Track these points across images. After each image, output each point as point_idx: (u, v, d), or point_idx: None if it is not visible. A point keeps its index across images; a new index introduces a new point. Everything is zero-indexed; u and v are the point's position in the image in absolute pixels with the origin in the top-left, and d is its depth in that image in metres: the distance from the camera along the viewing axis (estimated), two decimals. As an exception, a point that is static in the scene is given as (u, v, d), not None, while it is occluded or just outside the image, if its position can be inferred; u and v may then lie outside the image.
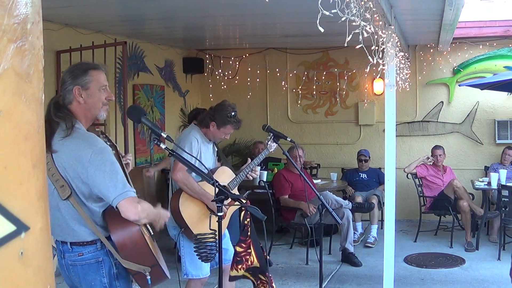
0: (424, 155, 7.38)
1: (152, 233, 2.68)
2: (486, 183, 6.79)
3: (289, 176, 6.50)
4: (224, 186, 3.34)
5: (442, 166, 7.29)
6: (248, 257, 3.10)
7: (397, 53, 4.98)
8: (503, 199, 6.25)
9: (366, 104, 8.32)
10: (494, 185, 6.56)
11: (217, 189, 2.75)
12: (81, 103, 2.46)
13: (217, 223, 2.78)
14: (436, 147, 7.34)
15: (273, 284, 3.14)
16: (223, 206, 2.80)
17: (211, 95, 8.54)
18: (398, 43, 5.14)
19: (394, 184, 4.68)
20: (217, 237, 2.84)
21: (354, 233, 6.71)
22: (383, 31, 4.23)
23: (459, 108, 8.10)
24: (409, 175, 7.27)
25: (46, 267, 0.81)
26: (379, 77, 4.29)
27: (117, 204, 2.32)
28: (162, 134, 2.63)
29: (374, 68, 3.60)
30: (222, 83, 8.67)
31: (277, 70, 8.46)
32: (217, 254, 2.87)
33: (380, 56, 3.72)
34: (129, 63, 6.70)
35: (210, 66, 8.84)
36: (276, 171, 7.18)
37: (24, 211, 0.76)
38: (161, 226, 2.60)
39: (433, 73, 8.15)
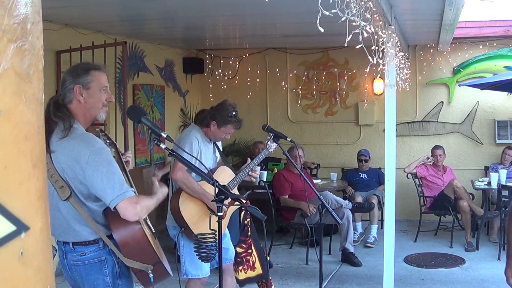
0: (424, 155, 7.38)
1: (154, 231, 2.68)
2: (486, 183, 6.78)
3: (289, 176, 6.50)
4: (224, 185, 3.34)
5: (442, 166, 7.29)
6: (248, 257, 3.10)
7: (397, 53, 4.97)
8: (503, 199, 6.25)
9: (366, 104, 8.32)
10: (494, 185, 6.55)
11: (217, 189, 2.75)
12: (81, 102, 2.45)
13: (217, 223, 2.79)
14: (436, 147, 7.34)
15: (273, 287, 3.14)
16: (223, 206, 2.80)
17: (211, 95, 8.53)
18: (398, 43, 5.14)
19: (394, 184, 4.68)
20: (217, 237, 2.84)
21: (354, 233, 6.71)
22: (383, 31, 4.23)
23: (459, 108, 8.09)
24: (409, 175, 7.26)
25: (46, 267, 0.81)
26: (379, 77, 4.28)
27: (115, 206, 2.31)
28: (162, 134, 2.62)
29: (374, 68, 3.60)
30: (222, 83, 8.67)
31: (277, 70, 8.46)
32: (217, 254, 2.87)
33: (380, 56, 3.71)
34: (129, 63, 6.70)
35: (210, 66, 8.84)
36: (276, 171, 7.18)
37: (24, 211, 0.76)
38: (164, 195, 2.66)
39: (433, 73, 8.15)
